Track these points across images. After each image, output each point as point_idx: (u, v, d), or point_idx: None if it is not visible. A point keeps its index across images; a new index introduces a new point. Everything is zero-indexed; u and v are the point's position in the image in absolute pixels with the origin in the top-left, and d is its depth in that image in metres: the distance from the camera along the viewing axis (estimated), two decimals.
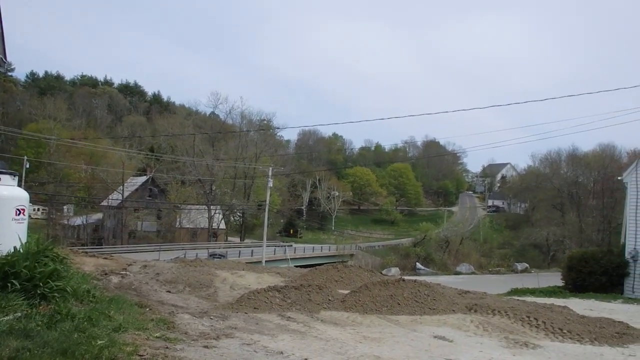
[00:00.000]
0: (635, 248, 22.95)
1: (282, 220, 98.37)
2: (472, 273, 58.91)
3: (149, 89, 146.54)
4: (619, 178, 26.98)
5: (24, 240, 7.31)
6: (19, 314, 5.76)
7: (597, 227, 71.52)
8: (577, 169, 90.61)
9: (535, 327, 10.03)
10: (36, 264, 6.71)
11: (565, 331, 9.80)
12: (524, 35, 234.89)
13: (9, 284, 6.36)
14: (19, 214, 7.47)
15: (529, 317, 10.56)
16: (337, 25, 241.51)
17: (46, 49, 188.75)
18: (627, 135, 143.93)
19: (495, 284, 32.30)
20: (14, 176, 7.87)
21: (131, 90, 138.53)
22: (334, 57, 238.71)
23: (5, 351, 4.49)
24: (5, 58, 13.24)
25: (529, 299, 17.10)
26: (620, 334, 10.08)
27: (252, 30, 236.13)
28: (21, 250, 6.98)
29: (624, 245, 24.22)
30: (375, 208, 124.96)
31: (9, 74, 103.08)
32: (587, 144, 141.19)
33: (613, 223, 64.23)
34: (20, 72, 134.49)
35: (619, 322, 11.54)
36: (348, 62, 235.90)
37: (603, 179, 76.45)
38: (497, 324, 10.06)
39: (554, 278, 31.60)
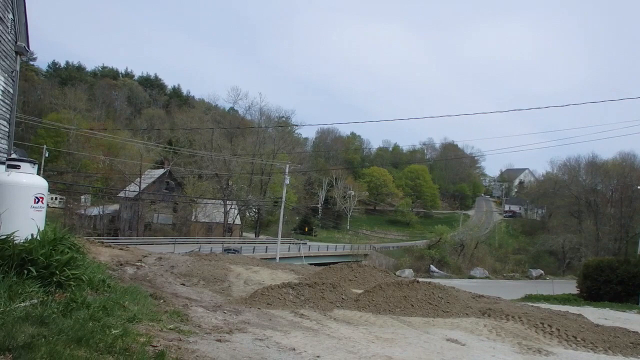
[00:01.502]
0: None
1: (297, 218, 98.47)
2: (486, 277, 58.49)
3: (169, 83, 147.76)
4: (639, 187, 26.60)
5: (41, 228, 7.38)
6: (35, 301, 5.82)
7: (614, 236, 70.62)
8: (596, 176, 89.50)
9: (549, 333, 9.95)
10: (53, 252, 6.78)
11: (579, 339, 9.71)
12: (545, 40, 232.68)
13: (25, 271, 6.43)
14: (37, 202, 7.55)
15: (542, 323, 10.48)
16: (358, 26, 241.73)
17: (68, 39, 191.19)
18: None
19: (509, 290, 32.08)
20: (34, 164, 7.95)
21: (151, 83, 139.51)
22: (355, 58, 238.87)
23: (21, 337, 4.54)
24: (28, 47, 13.39)
25: (543, 305, 16.95)
26: (634, 344, 9.99)
27: (273, 27, 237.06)
28: (38, 238, 7.06)
29: None
30: (391, 209, 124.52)
31: (31, 63, 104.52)
32: (607, 152, 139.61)
33: (630, 232, 63.43)
34: (42, 62, 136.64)
35: (633, 332, 11.40)
36: (368, 62, 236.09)
37: (622, 187, 75.51)
38: (510, 329, 9.98)
39: (568, 286, 31.33)
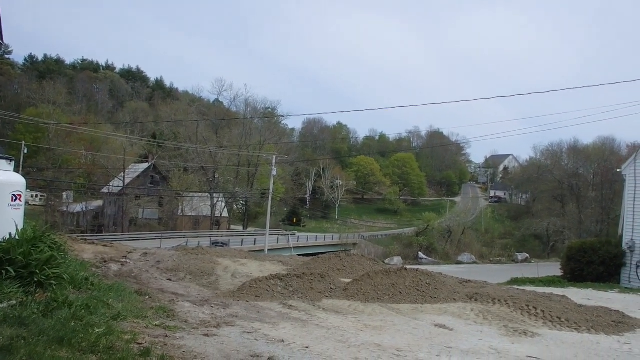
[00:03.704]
0: (632, 239, 23.00)
1: (285, 209, 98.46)
2: (474, 263, 58.99)
3: (152, 75, 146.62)
4: (618, 170, 26.93)
5: (20, 227, 7.22)
6: (14, 302, 5.69)
7: (596, 218, 71.62)
8: (577, 161, 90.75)
9: (534, 315, 10.10)
10: (32, 251, 6.63)
11: (563, 320, 9.87)
12: (529, 29, 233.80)
13: (3, 271, 6.28)
14: (15, 200, 7.39)
15: (528, 306, 10.63)
16: (343, 15, 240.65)
17: (46, 31, 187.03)
18: (627, 128, 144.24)
19: (496, 274, 32.34)
20: (10, 161, 7.78)
21: (133, 76, 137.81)
22: (340, 47, 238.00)
23: None
24: (2, 40, 13.10)
25: (529, 288, 17.19)
26: (616, 323, 10.20)
27: (258, 17, 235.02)
28: (17, 237, 6.91)
29: (621, 236, 24.27)
30: (379, 197, 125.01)
31: (7, 56, 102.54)
32: (588, 136, 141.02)
33: (611, 214, 64.24)
34: (18, 55, 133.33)
35: (615, 311, 11.65)
36: (354, 52, 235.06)
37: (603, 171, 76.48)
38: (497, 312, 10.09)
39: (553, 268, 31.72)
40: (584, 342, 8.40)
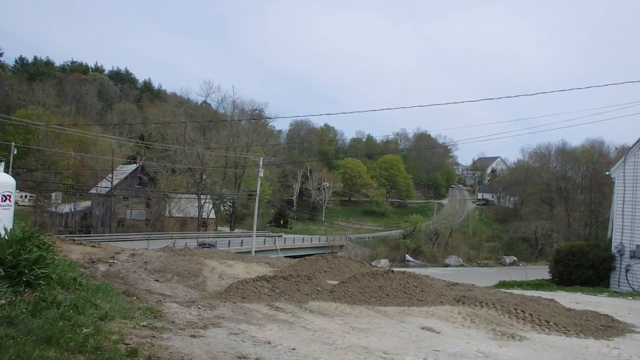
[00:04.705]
0: (621, 242, 23.03)
1: (272, 211, 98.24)
2: (461, 265, 59.40)
3: (140, 77, 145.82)
4: (607, 173, 27.01)
5: (9, 227, 7.21)
6: (3, 302, 5.68)
7: (585, 221, 71.97)
8: (566, 163, 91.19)
9: (522, 319, 10.08)
10: (21, 251, 6.62)
11: (551, 324, 9.85)
12: (518, 31, 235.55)
13: None
14: (4, 200, 7.39)
15: (515, 309, 10.62)
16: (331, 16, 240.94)
17: (36, 34, 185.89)
18: (615, 130, 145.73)
19: (483, 277, 32.54)
20: (0, 162, 7.78)
21: (122, 77, 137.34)
22: (328, 49, 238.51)
23: None
24: None
25: (517, 291, 17.15)
26: (605, 327, 10.14)
27: (246, 19, 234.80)
28: (6, 237, 6.90)
29: (610, 240, 24.32)
30: (366, 199, 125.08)
31: None
32: (576, 138, 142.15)
33: (600, 217, 64.77)
34: (8, 57, 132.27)
35: (604, 315, 11.61)
36: (342, 54, 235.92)
37: (591, 173, 76.93)
38: (484, 315, 10.10)
39: (541, 271, 31.83)
40: (572, 346, 8.40)
